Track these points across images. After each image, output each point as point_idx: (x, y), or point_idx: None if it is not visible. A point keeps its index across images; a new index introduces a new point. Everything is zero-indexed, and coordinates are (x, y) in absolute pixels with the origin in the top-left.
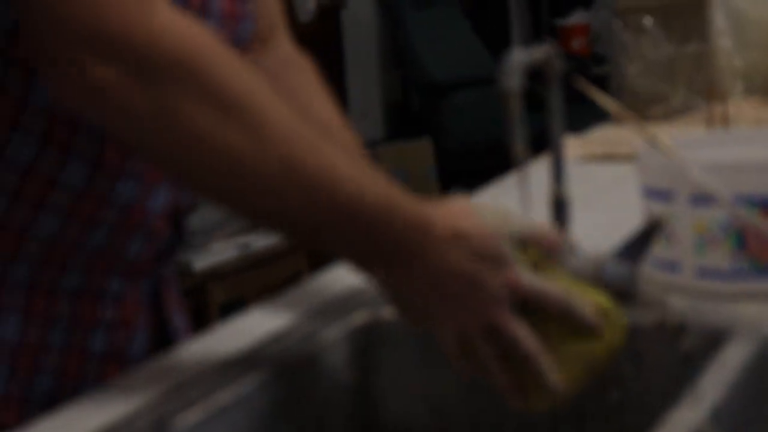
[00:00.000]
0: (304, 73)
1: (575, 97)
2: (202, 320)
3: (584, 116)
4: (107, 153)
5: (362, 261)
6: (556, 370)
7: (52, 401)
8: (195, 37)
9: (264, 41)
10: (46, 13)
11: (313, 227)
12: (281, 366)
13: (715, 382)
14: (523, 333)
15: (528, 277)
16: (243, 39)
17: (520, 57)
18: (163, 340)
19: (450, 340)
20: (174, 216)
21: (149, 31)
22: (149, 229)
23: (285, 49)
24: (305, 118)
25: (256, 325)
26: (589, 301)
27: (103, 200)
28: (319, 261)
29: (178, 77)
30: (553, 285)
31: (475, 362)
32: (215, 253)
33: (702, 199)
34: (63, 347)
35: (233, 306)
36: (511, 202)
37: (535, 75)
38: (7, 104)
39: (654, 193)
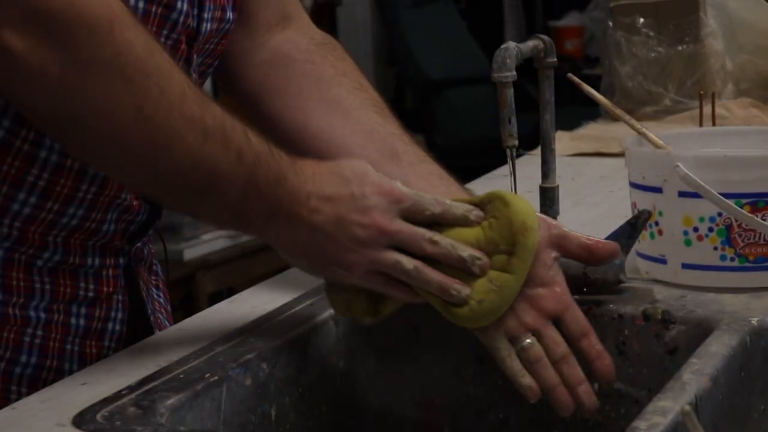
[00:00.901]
0: (343, 55)
1: (567, 99)
2: (191, 310)
3: (575, 118)
4: None
5: (252, 216)
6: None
7: (34, 379)
8: (109, 5)
9: (276, 26)
10: None
11: (208, 175)
12: (267, 349)
13: (699, 372)
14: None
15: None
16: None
17: (512, 47)
18: (142, 320)
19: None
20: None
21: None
22: (124, 205)
23: (318, 33)
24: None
25: (243, 309)
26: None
27: (79, 175)
28: None
29: (92, 41)
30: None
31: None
32: (205, 243)
33: (690, 193)
34: (45, 323)
35: (222, 296)
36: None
37: (527, 73)
38: None
39: (642, 187)
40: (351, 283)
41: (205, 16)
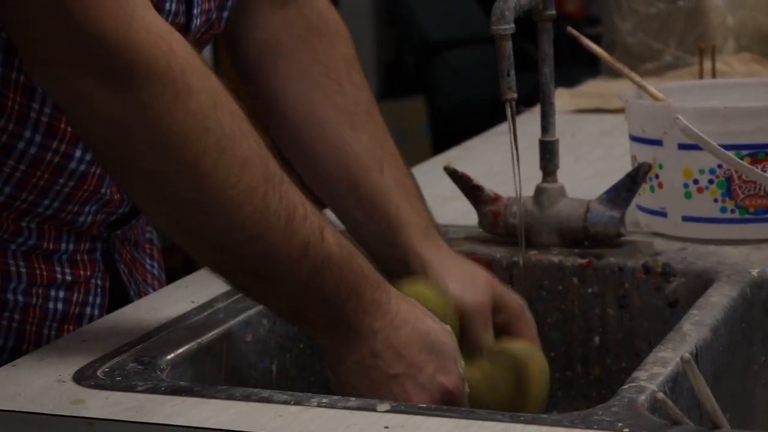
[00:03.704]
0: (335, 44)
1: (567, 58)
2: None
3: (576, 76)
4: (62, 119)
5: (309, 316)
6: None
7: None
8: (170, 44)
9: (275, 1)
10: (26, 27)
11: (263, 258)
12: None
13: (699, 323)
14: None
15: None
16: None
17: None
18: (125, 303)
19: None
20: None
21: (125, 38)
22: (104, 199)
23: (318, 13)
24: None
25: None
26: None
27: (58, 168)
28: None
29: (150, 81)
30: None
31: None
32: None
33: (690, 145)
34: (23, 307)
35: None
36: (500, 150)
37: (528, 33)
38: None
39: (642, 140)
40: None
41: (195, 12)
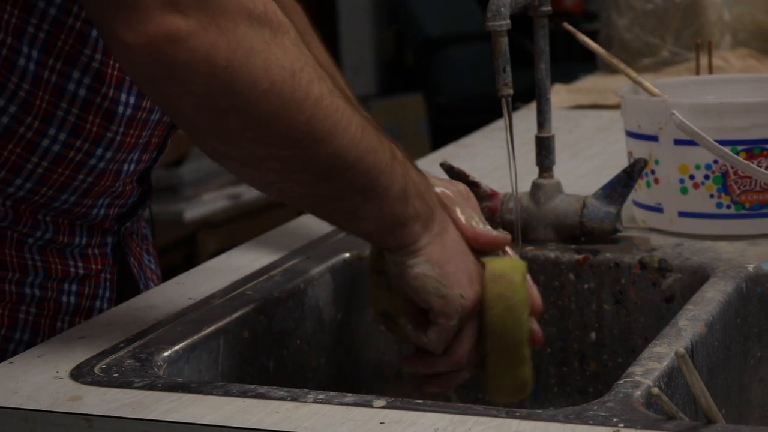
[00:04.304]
0: (292, 15)
1: (564, 54)
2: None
3: (572, 72)
4: (88, 120)
5: (412, 213)
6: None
7: None
8: (269, 6)
9: None
10: None
11: (371, 169)
12: (265, 302)
13: (694, 318)
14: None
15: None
16: None
17: None
18: (132, 296)
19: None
20: (140, 176)
21: None
22: (117, 192)
23: None
24: None
25: (241, 262)
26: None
27: (78, 165)
28: None
29: (253, 24)
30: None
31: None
32: (206, 203)
33: (686, 141)
34: (39, 300)
35: None
36: (496, 146)
37: (525, 29)
38: None
39: (638, 136)
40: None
41: None
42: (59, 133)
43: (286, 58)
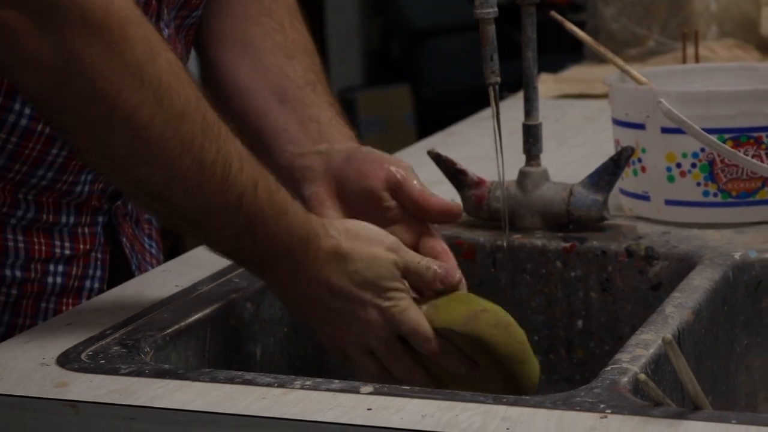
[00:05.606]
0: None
1: (552, 45)
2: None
3: (560, 63)
4: None
5: (246, 259)
6: None
7: (5, 339)
8: None
9: None
10: None
11: (201, 209)
12: (252, 289)
13: (681, 305)
14: (397, 365)
15: (410, 314)
16: None
17: None
18: (127, 276)
19: (338, 354)
20: None
21: None
22: None
23: None
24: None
25: None
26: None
27: (50, 139)
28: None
29: (85, 30)
30: (425, 325)
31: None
32: None
33: (673, 129)
34: (21, 282)
35: None
36: (483, 135)
37: (512, 20)
38: None
39: (625, 124)
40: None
41: None
42: (24, 108)
43: (116, 74)
